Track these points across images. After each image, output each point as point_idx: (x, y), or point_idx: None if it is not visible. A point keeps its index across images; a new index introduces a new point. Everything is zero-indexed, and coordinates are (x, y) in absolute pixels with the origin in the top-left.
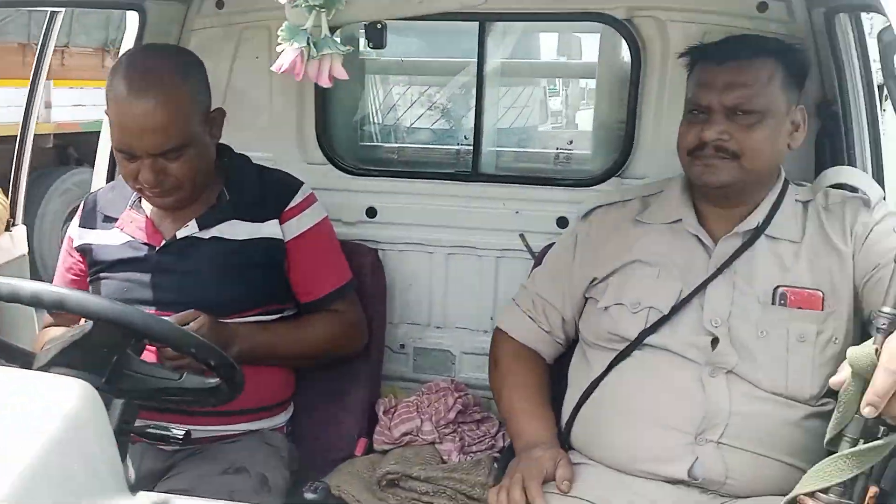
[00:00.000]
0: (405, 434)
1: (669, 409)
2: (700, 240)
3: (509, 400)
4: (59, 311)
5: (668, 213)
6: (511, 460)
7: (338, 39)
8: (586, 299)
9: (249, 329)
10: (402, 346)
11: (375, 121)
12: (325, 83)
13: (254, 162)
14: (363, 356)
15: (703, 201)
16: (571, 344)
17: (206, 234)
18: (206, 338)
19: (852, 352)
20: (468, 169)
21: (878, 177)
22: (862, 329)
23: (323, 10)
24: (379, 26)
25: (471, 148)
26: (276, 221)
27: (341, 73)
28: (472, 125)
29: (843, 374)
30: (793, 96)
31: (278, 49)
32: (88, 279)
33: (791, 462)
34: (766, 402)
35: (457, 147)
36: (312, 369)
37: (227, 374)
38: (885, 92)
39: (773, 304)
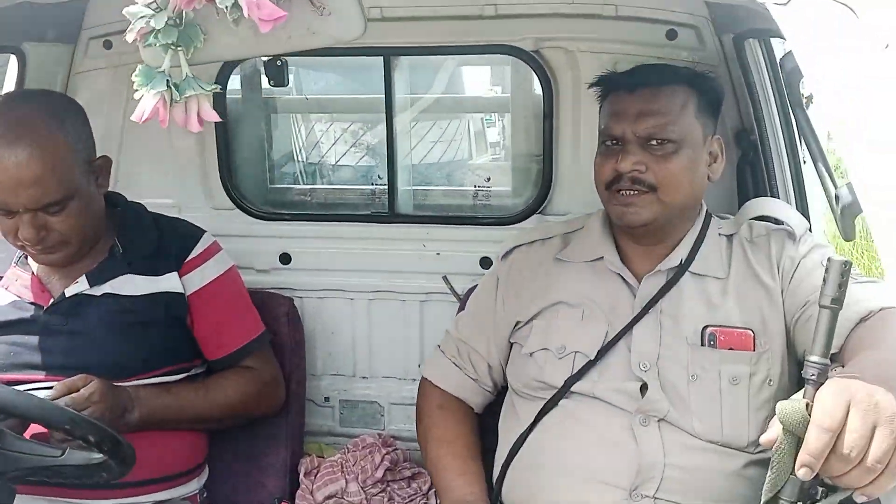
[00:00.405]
0: (329, 497)
1: (601, 462)
2: (623, 279)
3: (436, 455)
4: None
5: (588, 250)
6: None
7: (200, 79)
8: (511, 344)
9: (150, 392)
10: (327, 398)
11: (285, 162)
12: (194, 128)
13: (150, 210)
14: (282, 413)
15: (624, 238)
16: (500, 391)
17: (98, 291)
18: (98, 404)
19: (782, 407)
20: (385, 209)
21: (802, 206)
22: (798, 368)
23: (180, 48)
24: (279, 63)
25: (385, 187)
26: (174, 274)
27: (211, 115)
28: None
29: (774, 431)
30: (708, 125)
31: (135, 97)
32: None
33: None
34: (702, 452)
35: (371, 187)
36: (228, 429)
37: (112, 448)
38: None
39: (702, 345)
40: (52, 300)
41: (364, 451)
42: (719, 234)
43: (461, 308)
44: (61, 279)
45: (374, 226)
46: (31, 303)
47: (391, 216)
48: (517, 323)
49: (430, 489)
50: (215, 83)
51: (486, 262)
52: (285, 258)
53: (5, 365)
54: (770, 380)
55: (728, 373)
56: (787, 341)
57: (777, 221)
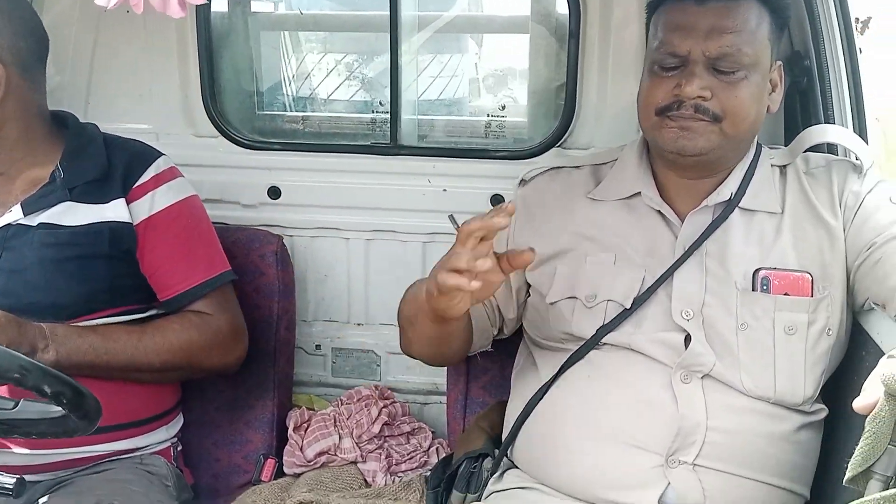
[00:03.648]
0: (321, 454)
1: (636, 424)
2: (664, 216)
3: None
4: None
5: (624, 187)
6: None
7: None
8: (528, 288)
9: (70, 331)
10: (318, 346)
11: (274, 88)
12: (176, 13)
13: (108, 133)
14: (270, 361)
15: (666, 171)
16: (496, 343)
17: (33, 221)
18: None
19: (887, 369)
20: (386, 140)
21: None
22: (853, 319)
23: None
24: None
25: (387, 116)
26: (121, 201)
27: None
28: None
29: (873, 394)
30: (775, 50)
31: None
32: None
33: (779, 484)
34: (750, 413)
35: (371, 115)
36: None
37: (73, 401)
38: None
39: (753, 290)
40: None
41: (359, 403)
42: (772, 166)
43: None
44: None
45: (373, 158)
46: None
47: (393, 148)
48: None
49: (430, 446)
50: None
51: (497, 201)
52: (274, 192)
53: None
54: (829, 329)
55: (783, 321)
56: (847, 287)
57: (835, 152)
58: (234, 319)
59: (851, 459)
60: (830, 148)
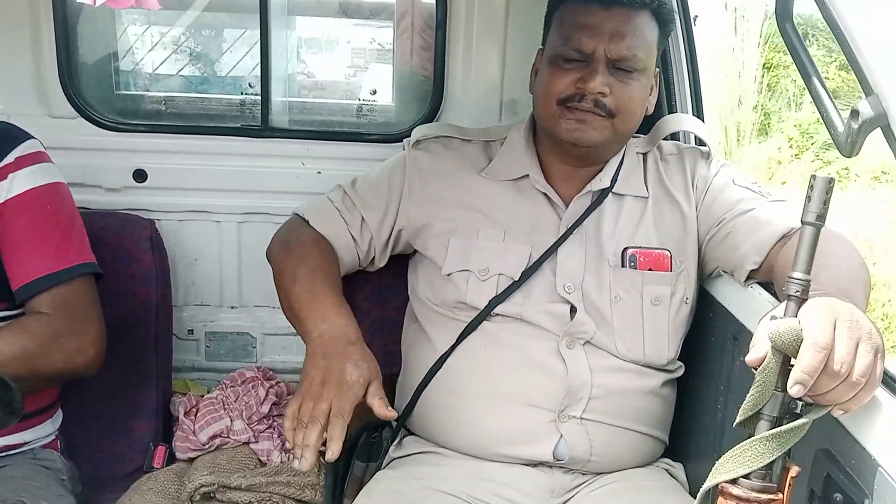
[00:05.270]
0: (214, 437)
1: (530, 385)
2: (549, 198)
3: (310, 280)
4: None
5: (513, 169)
6: None
7: None
8: (414, 250)
9: None
10: (191, 331)
11: (135, 64)
12: (153, 5)
13: None
14: (150, 347)
15: (551, 157)
16: (359, 274)
17: None
18: None
19: (775, 327)
20: (257, 123)
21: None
22: (700, 286)
23: None
24: None
25: (258, 98)
26: None
27: None
28: (259, 70)
29: (762, 349)
30: (658, 57)
31: None
32: None
33: (649, 432)
34: (625, 373)
35: (240, 97)
36: None
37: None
38: None
39: (623, 266)
40: None
41: (245, 385)
42: (636, 153)
43: None
44: None
45: (244, 140)
46: None
47: (265, 130)
48: (424, 227)
49: None
50: None
51: None
52: (140, 175)
53: None
54: (686, 298)
55: (650, 294)
56: (698, 260)
57: (685, 139)
58: (82, 316)
59: (742, 405)
60: (685, 135)
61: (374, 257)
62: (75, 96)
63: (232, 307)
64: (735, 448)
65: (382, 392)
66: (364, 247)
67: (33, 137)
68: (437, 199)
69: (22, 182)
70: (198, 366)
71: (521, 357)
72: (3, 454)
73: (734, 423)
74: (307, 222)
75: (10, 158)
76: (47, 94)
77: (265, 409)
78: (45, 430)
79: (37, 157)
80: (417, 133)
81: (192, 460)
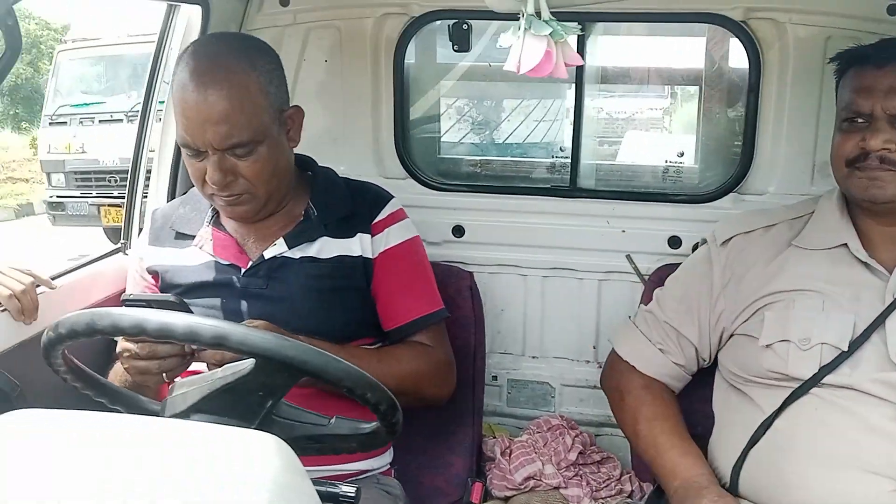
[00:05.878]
0: (528, 478)
1: (869, 451)
2: (869, 267)
3: (650, 434)
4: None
5: (828, 237)
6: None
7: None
8: (732, 335)
9: (326, 346)
10: (495, 377)
11: (457, 132)
12: (562, 74)
13: (344, 176)
14: (469, 389)
15: (866, 220)
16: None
17: (297, 254)
18: None
19: None
20: (566, 184)
21: None
22: None
23: None
24: (465, 27)
25: (568, 161)
26: (367, 236)
27: (576, 59)
28: (571, 136)
29: None
30: None
31: (503, 44)
32: None
33: None
34: None
35: (551, 160)
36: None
37: (387, 414)
38: None
39: None
40: (250, 262)
41: (552, 432)
42: None
43: (650, 288)
44: (257, 241)
45: (553, 200)
46: (229, 264)
47: (573, 191)
48: (741, 313)
49: (621, 475)
50: None
51: (674, 242)
52: (458, 230)
53: None
54: None
55: None
56: None
57: None
58: (450, 352)
59: None
60: None
61: (703, 360)
62: (406, 160)
63: (533, 357)
64: None
65: None
66: (692, 366)
67: (394, 196)
68: (743, 284)
69: (395, 235)
70: (499, 411)
71: (857, 422)
72: (354, 478)
73: None
74: (632, 365)
75: (384, 214)
76: (383, 158)
77: (572, 456)
78: (385, 459)
79: (402, 213)
80: (722, 233)
81: (507, 499)
